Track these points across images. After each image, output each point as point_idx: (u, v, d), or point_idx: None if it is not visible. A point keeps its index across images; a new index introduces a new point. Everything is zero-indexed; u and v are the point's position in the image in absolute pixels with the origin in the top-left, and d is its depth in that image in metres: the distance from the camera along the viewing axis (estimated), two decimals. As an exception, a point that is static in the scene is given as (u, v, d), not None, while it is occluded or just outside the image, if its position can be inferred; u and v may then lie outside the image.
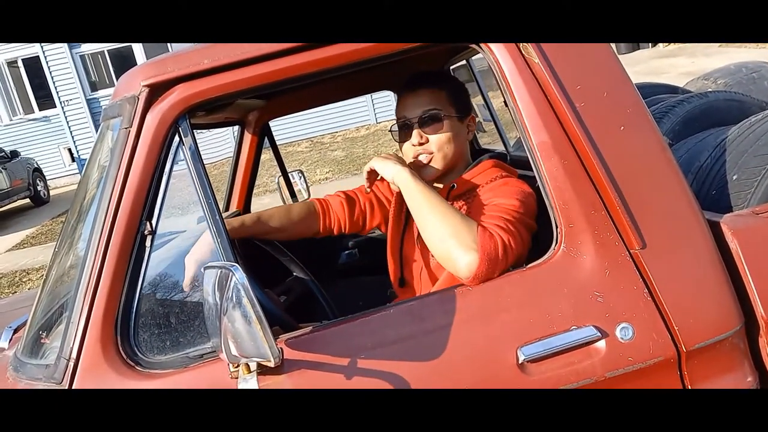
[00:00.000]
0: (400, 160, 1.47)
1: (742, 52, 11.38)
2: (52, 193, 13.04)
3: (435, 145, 1.53)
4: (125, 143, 1.20)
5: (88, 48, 13.03)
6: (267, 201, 7.66)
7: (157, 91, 1.22)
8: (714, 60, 10.88)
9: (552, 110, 1.24)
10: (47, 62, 12.94)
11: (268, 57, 1.24)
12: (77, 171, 13.58)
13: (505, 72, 1.25)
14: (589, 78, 1.25)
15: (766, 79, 2.38)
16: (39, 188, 12.10)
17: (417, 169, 1.48)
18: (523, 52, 1.25)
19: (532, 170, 1.61)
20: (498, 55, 1.26)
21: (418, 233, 1.50)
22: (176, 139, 1.22)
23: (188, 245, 1.37)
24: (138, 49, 13.00)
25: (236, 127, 2.48)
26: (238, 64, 1.23)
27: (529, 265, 1.24)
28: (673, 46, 15.71)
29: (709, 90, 2.28)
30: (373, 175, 1.49)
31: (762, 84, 2.36)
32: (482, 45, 1.27)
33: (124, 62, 12.97)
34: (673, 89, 2.58)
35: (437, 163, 1.54)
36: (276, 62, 1.24)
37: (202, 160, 1.23)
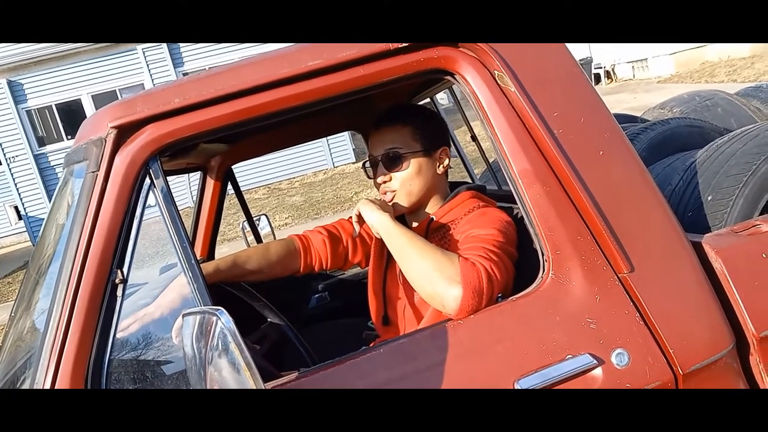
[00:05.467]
0: (383, 205, 1.47)
1: (680, 87, 11.95)
2: (-3, 253, 12.54)
3: (398, 183, 1.52)
4: (93, 188, 1.14)
5: (34, 103, 12.73)
6: (225, 250, 7.49)
7: (125, 132, 1.17)
8: (654, 95, 11.41)
9: (531, 138, 1.24)
10: (-9, 118, 12.59)
11: (239, 94, 1.21)
12: (24, 229, 13.07)
13: (482, 102, 1.25)
14: (565, 105, 1.25)
15: (720, 106, 2.48)
16: (-17, 249, 11.61)
17: (385, 207, 1.46)
18: (499, 81, 1.25)
19: (505, 202, 1.62)
20: (474, 85, 1.26)
21: (401, 269, 1.47)
22: (147, 181, 1.16)
23: (161, 293, 1.30)
24: (87, 102, 12.79)
25: (193, 176, 2.42)
26: (209, 102, 1.20)
27: (519, 295, 1.21)
28: (615, 84, 16.41)
29: (669, 118, 2.35)
30: (361, 218, 1.47)
31: (716, 111, 2.46)
32: (457, 76, 1.27)
33: (72, 116, 12.72)
34: (632, 119, 2.65)
35: (401, 200, 1.53)
36: (248, 99, 1.22)
37: (175, 202, 1.17)
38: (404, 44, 1.22)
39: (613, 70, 17.21)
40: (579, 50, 16.26)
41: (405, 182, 1.51)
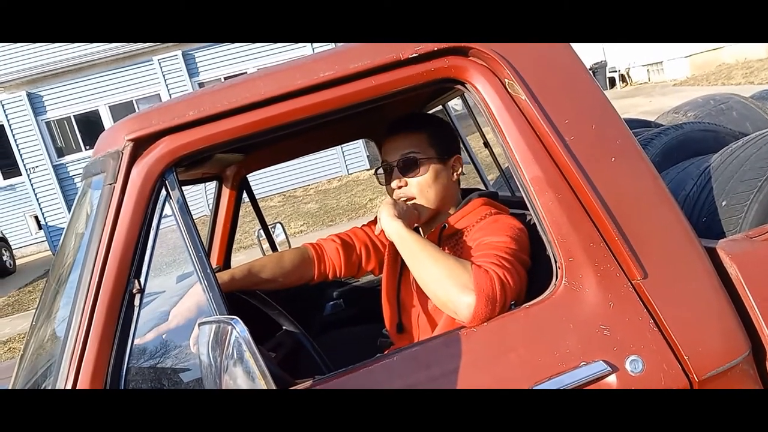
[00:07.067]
0: (406, 209, 1.46)
1: (696, 90, 11.84)
2: (18, 262, 12.68)
3: (415, 189, 1.52)
4: (110, 199, 1.16)
5: (53, 114, 12.91)
6: (242, 257, 7.54)
7: (141, 144, 1.19)
8: (670, 99, 11.31)
9: (542, 145, 1.24)
10: (12, 130, 12.77)
11: (253, 106, 1.23)
12: (44, 239, 13.25)
13: (493, 110, 1.26)
14: (576, 112, 1.26)
15: (735, 110, 2.46)
16: (4, 258, 11.75)
17: (404, 212, 1.46)
18: (509, 89, 1.26)
19: (518, 209, 1.62)
20: (484, 93, 1.26)
21: (414, 277, 1.48)
22: (163, 192, 1.19)
23: (178, 302, 1.32)
24: (105, 112, 12.95)
25: (209, 184, 2.45)
26: (223, 114, 1.22)
27: (532, 302, 1.21)
28: (630, 87, 16.30)
29: (683, 122, 2.34)
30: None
31: (731, 114, 2.44)
32: (468, 85, 1.28)
33: (91, 127, 12.89)
34: (646, 124, 2.64)
35: (420, 207, 1.52)
36: (261, 111, 1.23)
37: (190, 213, 1.19)
38: (415, 54, 1.23)
39: (627, 73, 17.11)
40: (593, 54, 16.20)
41: (423, 188, 1.51)
